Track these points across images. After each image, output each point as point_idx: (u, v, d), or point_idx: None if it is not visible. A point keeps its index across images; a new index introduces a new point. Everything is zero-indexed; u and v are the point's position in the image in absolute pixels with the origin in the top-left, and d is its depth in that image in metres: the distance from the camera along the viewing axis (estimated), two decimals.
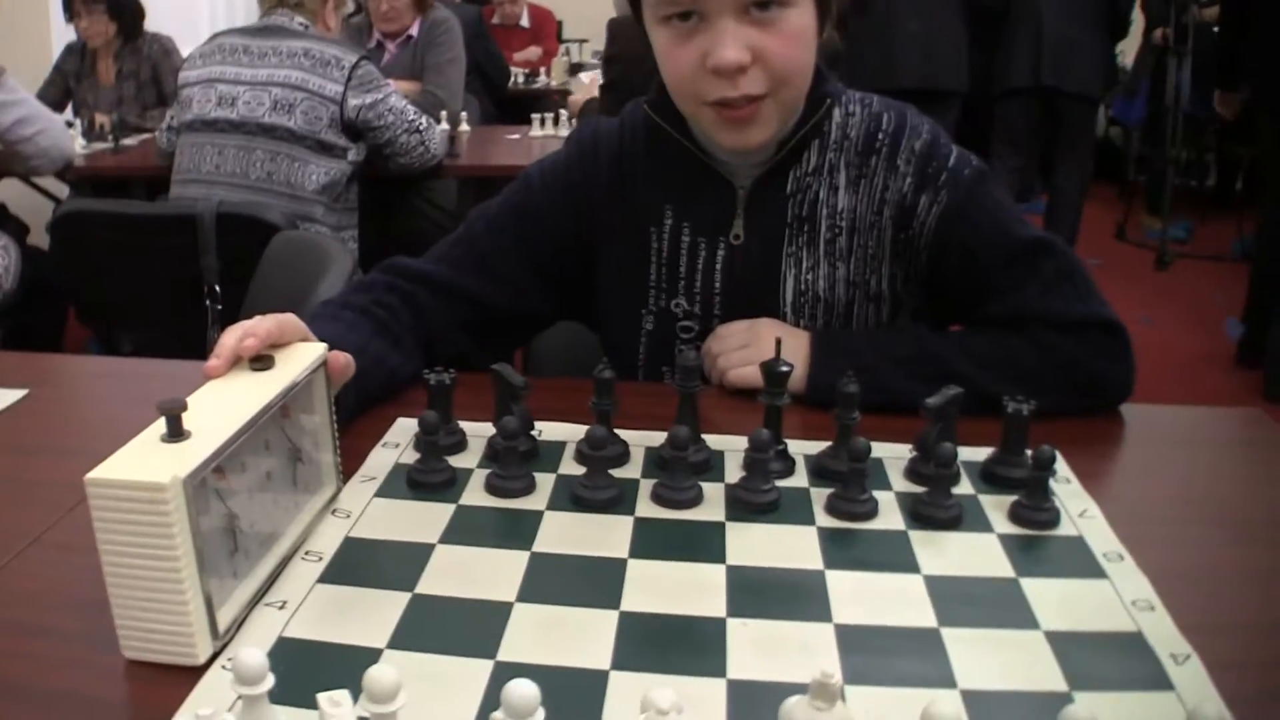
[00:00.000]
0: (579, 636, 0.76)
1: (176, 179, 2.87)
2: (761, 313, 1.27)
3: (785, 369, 1.00)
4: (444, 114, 3.77)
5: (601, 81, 3.72)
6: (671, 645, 0.76)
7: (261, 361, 0.84)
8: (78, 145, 3.63)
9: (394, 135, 2.96)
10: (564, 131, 3.99)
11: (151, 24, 4.26)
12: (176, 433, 0.70)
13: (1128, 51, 7.20)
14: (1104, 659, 0.75)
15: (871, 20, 4.55)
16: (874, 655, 0.75)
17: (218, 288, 2.47)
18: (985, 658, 0.75)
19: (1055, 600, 0.82)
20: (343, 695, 0.57)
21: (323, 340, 0.96)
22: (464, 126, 3.98)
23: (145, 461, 0.67)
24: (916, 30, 4.58)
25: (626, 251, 1.31)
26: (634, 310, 1.33)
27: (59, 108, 4.14)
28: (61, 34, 4.27)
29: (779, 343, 1.02)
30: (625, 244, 1.31)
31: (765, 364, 1.01)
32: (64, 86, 4.21)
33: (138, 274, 2.54)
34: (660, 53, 1.18)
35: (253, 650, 0.60)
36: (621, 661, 0.73)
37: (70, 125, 3.79)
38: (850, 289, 1.28)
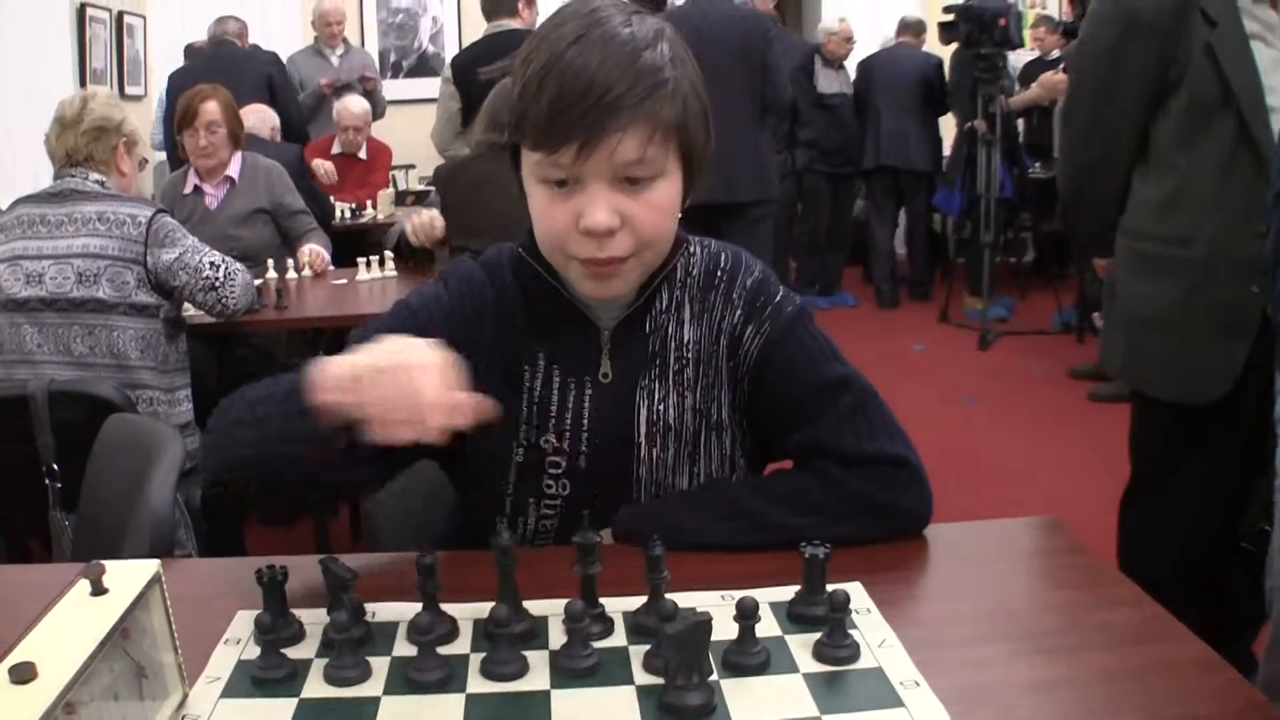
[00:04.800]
0: None
1: (1, 360, 2.85)
2: (619, 445, 1.36)
3: (595, 540, 1.10)
4: (271, 262, 3.87)
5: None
6: None
7: (96, 588, 0.89)
8: None
9: (191, 295, 2.98)
10: (391, 272, 4.02)
11: None
12: (23, 679, 0.75)
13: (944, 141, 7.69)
14: None
15: None
16: None
17: (55, 466, 2.45)
18: None
19: None
20: None
21: None
22: (270, 274, 3.88)
23: None
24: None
25: (500, 388, 1.31)
26: (506, 443, 1.37)
27: None
28: None
29: (586, 515, 1.12)
30: (499, 380, 1.34)
31: (575, 537, 1.10)
32: None
33: None
34: (536, 210, 1.27)
35: None
36: None
37: None
38: (697, 417, 1.38)
